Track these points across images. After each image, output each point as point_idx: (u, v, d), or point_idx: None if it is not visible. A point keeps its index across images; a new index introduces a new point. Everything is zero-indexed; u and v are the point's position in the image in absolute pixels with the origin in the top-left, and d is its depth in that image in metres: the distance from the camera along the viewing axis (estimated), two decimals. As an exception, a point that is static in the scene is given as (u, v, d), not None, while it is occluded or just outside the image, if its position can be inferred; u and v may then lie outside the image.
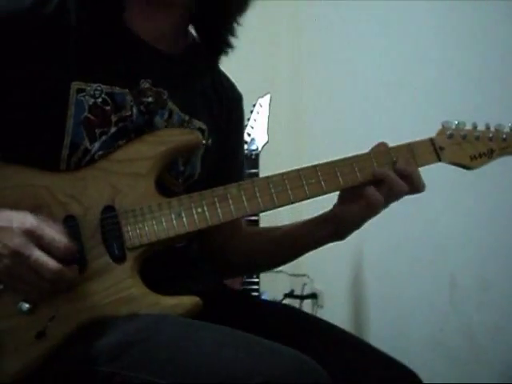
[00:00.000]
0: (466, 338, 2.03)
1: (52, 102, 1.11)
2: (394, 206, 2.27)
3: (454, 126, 1.24)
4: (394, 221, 2.41)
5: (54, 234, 1.02)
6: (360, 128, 2.53)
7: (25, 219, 1.02)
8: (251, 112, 2.41)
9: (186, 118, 1.23)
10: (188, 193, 1.19)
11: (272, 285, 2.82)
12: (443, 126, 1.24)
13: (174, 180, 1.22)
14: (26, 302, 1.04)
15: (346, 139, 2.59)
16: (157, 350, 0.96)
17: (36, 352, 1.04)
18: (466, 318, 2.04)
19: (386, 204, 1.20)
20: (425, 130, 1.26)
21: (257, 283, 2.38)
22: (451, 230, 2.11)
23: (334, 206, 1.23)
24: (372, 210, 1.20)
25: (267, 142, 2.40)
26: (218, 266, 1.37)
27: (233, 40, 1.28)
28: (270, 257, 1.36)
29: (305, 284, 2.96)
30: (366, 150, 1.22)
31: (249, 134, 2.39)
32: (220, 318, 1.05)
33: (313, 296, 2.91)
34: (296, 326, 1.22)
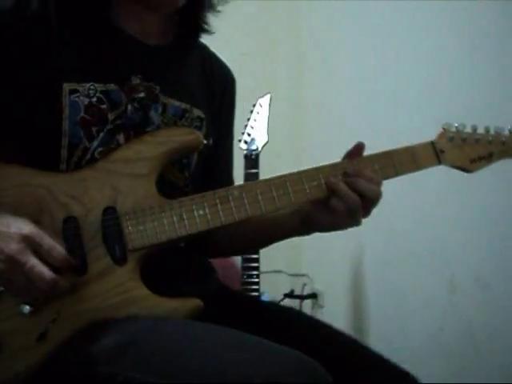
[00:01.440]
0: (465, 338, 2.04)
1: (45, 106, 1.10)
2: (393, 206, 2.28)
3: (454, 129, 1.25)
4: (394, 221, 2.42)
5: (53, 243, 1.02)
6: (360, 128, 2.53)
7: (23, 225, 1.01)
8: (251, 112, 2.41)
9: (188, 107, 1.23)
10: (193, 184, 1.20)
11: (272, 285, 2.82)
12: (444, 128, 1.25)
13: (178, 174, 1.22)
14: (28, 304, 1.04)
15: (345, 139, 2.59)
16: (157, 351, 0.96)
17: (37, 354, 1.04)
18: (465, 318, 2.04)
19: (349, 215, 1.17)
20: (425, 132, 1.26)
21: (257, 283, 2.38)
22: (451, 230, 2.11)
23: (308, 206, 1.21)
24: (338, 223, 1.19)
25: (267, 142, 2.40)
26: (200, 245, 1.34)
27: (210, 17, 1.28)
28: (246, 242, 1.37)
29: (305, 284, 2.96)
30: (366, 149, 1.22)
31: (249, 134, 2.39)
32: (219, 319, 1.05)
33: (313, 296, 2.91)
34: (294, 327, 1.22)
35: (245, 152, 2.38)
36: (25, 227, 1.01)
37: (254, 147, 2.38)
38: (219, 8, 1.29)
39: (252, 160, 2.36)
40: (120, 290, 1.07)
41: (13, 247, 0.99)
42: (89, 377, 1.00)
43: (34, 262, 0.99)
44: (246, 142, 2.39)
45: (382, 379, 1.14)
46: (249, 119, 2.41)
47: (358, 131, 2.56)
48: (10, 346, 1.04)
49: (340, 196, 1.15)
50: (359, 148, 1.21)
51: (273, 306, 1.38)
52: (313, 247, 2.94)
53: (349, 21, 2.76)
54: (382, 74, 2.49)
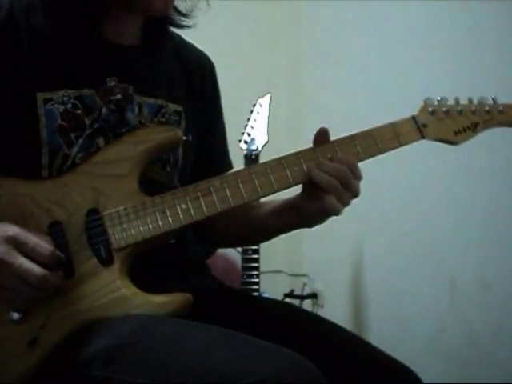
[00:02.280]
0: (465, 338, 2.03)
1: (22, 116, 1.11)
2: (393, 206, 2.27)
3: (435, 102, 1.23)
4: (394, 221, 2.41)
5: (38, 240, 1.02)
6: (360, 127, 2.52)
7: (7, 227, 1.02)
8: (251, 112, 2.41)
9: (164, 103, 1.23)
10: (181, 179, 1.20)
11: (272, 285, 2.81)
12: (425, 102, 1.23)
13: (160, 170, 1.22)
14: (17, 311, 1.04)
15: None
16: (150, 353, 0.96)
17: (29, 361, 1.04)
18: (465, 319, 2.04)
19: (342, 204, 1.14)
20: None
21: (257, 283, 2.38)
22: (451, 230, 2.11)
23: (297, 196, 1.20)
24: (330, 214, 1.16)
25: (267, 142, 2.40)
26: (201, 234, 1.35)
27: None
28: (242, 237, 1.37)
29: (305, 284, 2.95)
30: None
31: (249, 134, 2.39)
32: (214, 314, 1.05)
33: (313, 296, 2.91)
34: (294, 323, 1.21)
35: (245, 152, 2.38)
36: (8, 229, 1.02)
37: (254, 147, 2.38)
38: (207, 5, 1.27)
39: (252, 160, 2.36)
40: (108, 290, 1.07)
41: None
42: (83, 381, 1.00)
43: (21, 260, 0.99)
44: (246, 142, 2.38)
45: (382, 374, 1.13)
46: (249, 119, 2.40)
47: (358, 131, 2.55)
48: (2, 354, 1.04)
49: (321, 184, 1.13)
50: (323, 134, 1.19)
51: (270, 302, 1.37)
52: (313, 247, 2.94)
53: (349, 20, 2.75)
54: (382, 73, 2.49)
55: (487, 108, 1.24)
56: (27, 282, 1.00)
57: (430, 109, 1.22)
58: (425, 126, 1.21)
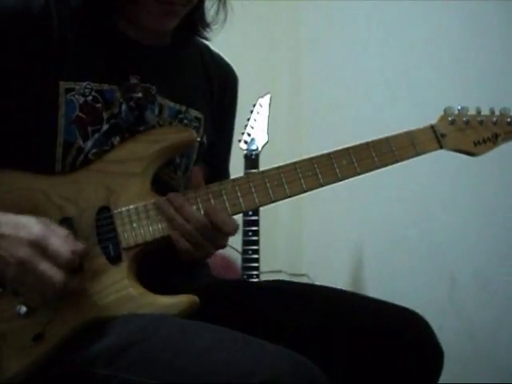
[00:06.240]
0: (465, 336, 2.03)
1: (42, 104, 1.11)
2: (393, 205, 2.27)
3: (456, 112, 1.20)
4: (394, 220, 2.42)
5: (59, 244, 1.01)
6: (360, 127, 2.53)
7: (32, 228, 1.01)
8: (251, 112, 2.41)
9: (183, 108, 1.23)
10: (186, 184, 1.21)
11: (272, 285, 2.82)
12: (445, 111, 1.20)
13: (172, 174, 1.22)
14: (24, 304, 1.04)
15: (346, 139, 2.59)
16: (154, 352, 0.97)
17: (33, 355, 1.04)
18: (465, 316, 2.04)
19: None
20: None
21: (257, 283, 2.38)
22: (450, 228, 2.11)
23: None
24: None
25: (267, 142, 2.40)
26: None
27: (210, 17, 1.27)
28: None
29: (305, 284, 2.96)
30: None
31: (249, 134, 2.39)
32: (217, 311, 1.05)
33: (313, 296, 2.91)
34: (293, 298, 1.22)
35: (245, 152, 2.38)
36: (33, 230, 1.01)
37: (254, 147, 2.38)
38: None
39: (252, 160, 2.36)
40: (115, 288, 1.07)
41: (22, 252, 0.99)
42: (86, 378, 1.00)
43: (44, 266, 0.99)
44: (246, 142, 2.39)
45: (388, 321, 1.15)
46: (249, 119, 2.41)
47: (358, 131, 2.55)
48: (8, 347, 1.04)
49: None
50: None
51: (266, 284, 1.36)
52: (313, 247, 2.94)
53: (349, 21, 2.76)
54: (382, 73, 2.49)
55: (509, 119, 1.21)
56: (46, 287, 1.00)
57: (449, 118, 1.20)
58: (443, 135, 1.19)
